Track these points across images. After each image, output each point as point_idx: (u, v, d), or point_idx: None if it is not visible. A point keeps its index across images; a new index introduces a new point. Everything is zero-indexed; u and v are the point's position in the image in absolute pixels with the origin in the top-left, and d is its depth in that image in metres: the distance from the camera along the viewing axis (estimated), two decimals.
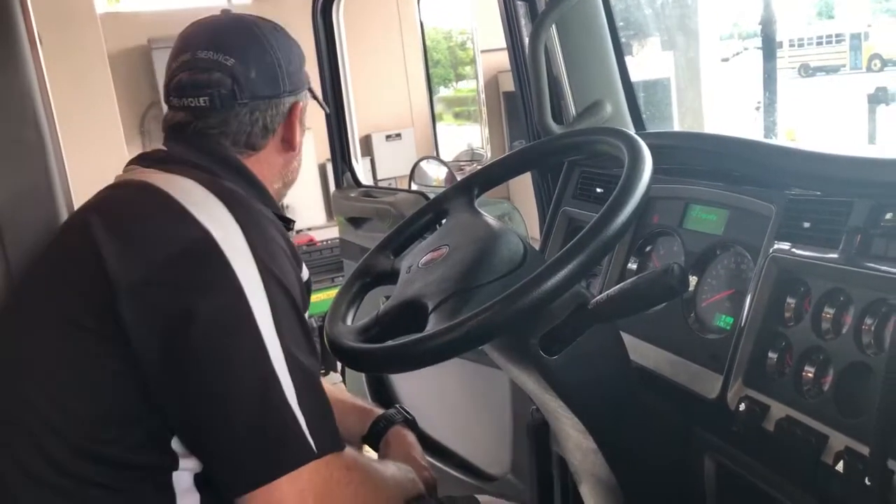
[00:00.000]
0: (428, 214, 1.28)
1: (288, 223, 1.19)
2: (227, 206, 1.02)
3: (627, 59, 1.63)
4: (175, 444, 0.99)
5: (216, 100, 1.13)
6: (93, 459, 0.98)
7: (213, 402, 0.95)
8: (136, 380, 0.97)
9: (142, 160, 1.16)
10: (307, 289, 1.15)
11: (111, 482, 0.98)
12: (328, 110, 1.37)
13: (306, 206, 6.73)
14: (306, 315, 1.09)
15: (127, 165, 1.17)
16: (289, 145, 1.22)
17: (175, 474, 1.00)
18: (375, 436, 1.33)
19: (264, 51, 1.16)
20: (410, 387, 2.22)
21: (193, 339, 0.95)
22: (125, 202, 1.09)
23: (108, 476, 0.98)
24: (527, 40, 1.59)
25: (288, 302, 1.00)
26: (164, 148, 1.18)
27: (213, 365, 0.95)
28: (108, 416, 0.98)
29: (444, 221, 1.25)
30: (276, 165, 1.22)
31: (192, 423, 0.98)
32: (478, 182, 1.26)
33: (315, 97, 1.29)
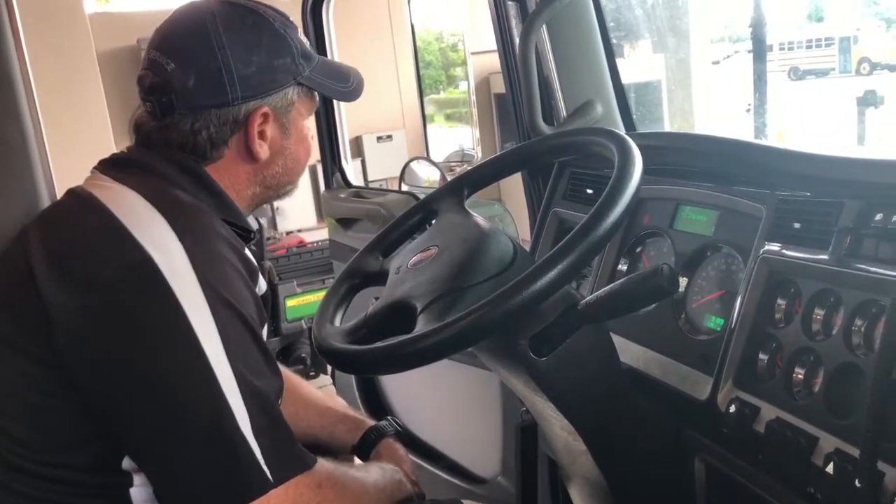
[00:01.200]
0: (417, 215, 1.27)
1: (248, 234, 1.12)
2: (172, 225, 0.96)
3: (619, 60, 1.63)
4: (126, 463, 0.97)
5: (156, 108, 1.06)
6: (43, 479, 0.96)
7: (160, 434, 0.92)
8: (77, 403, 0.94)
9: (102, 164, 1.10)
10: (265, 302, 1.10)
11: (68, 501, 0.97)
12: (344, 98, 1.22)
13: (297, 207, 6.71)
14: (264, 330, 1.05)
15: (93, 168, 1.11)
16: (250, 155, 1.10)
17: (132, 490, 0.98)
18: (366, 447, 1.32)
19: (211, 55, 1.04)
20: (401, 389, 2.21)
21: (134, 370, 0.92)
22: (66, 219, 1.04)
23: (62, 495, 0.96)
24: (517, 41, 1.58)
25: (238, 322, 0.95)
26: (125, 151, 1.12)
27: (155, 396, 0.92)
28: (51, 440, 0.96)
29: (433, 222, 1.24)
30: (242, 174, 1.11)
31: (139, 453, 0.96)
32: (467, 183, 1.25)
33: (319, 89, 1.14)
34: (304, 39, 1.14)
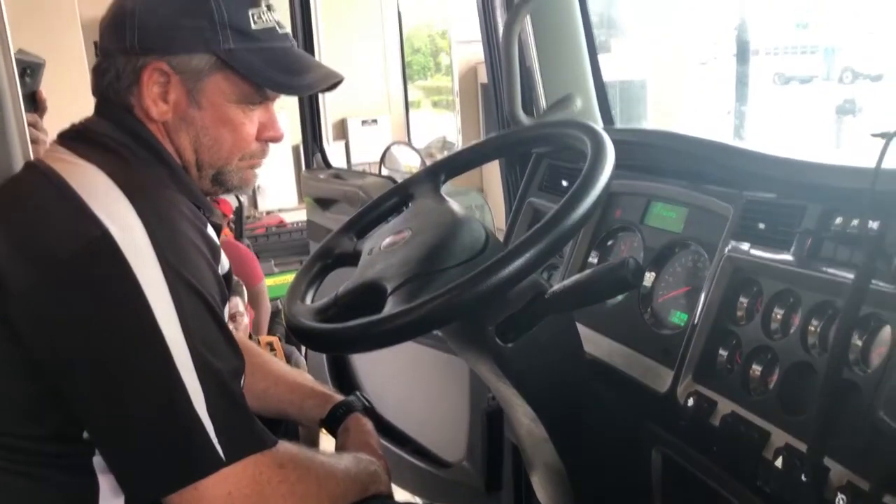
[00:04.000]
0: (393, 198, 1.28)
1: (207, 211, 1.10)
2: (132, 201, 0.95)
3: (605, 57, 1.64)
4: (87, 434, 0.98)
5: (98, 55, 1.08)
6: (4, 448, 0.96)
7: (111, 409, 0.93)
8: (34, 377, 0.95)
9: (61, 137, 1.08)
10: (227, 281, 1.09)
11: (29, 471, 0.97)
12: (282, 91, 1.10)
13: (278, 187, 6.67)
14: (226, 310, 1.05)
15: (52, 142, 1.09)
16: (145, 113, 1.05)
17: (94, 459, 0.99)
18: (334, 421, 1.32)
19: (128, 0, 1.04)
20: (371, 371, 2.23)
21: (89, 346, 0.92)
22: (25, 193, 1.03)
23: (25, 465, 0.97)
24: (501, 31, 1.59)
25: (198, 301, 0.94)
26: (84, 121, 1.10)
27: (110, 373, 0.92)
28: (11, 411, 0.97)
29: (409, 206, 1.25)
30: (157, 133, 1.07)
31: (94, 427, 0.96)
32: (444, 168, 1.26)
33: (242, 70, 1.05)
34: (255, 17, 1.06)
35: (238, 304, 3.12)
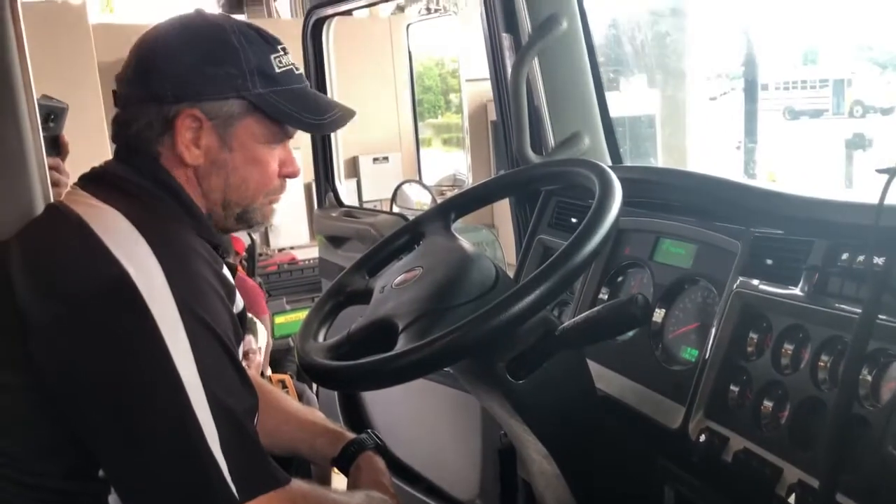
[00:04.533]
0: (404, 236, 1.30)
1: (225, 252, 1.12)
2: (150, 242, 0.97)
3: (614, 94, 1.67)
4: (103, 471, 0.99)
5: (119, 106, 1.10)
6: (24, 486, 0.98)
7: (127, 447, 0.94)
8: (53, 414, 0.96)
9: (82, 180, 1.11)
10: (241, 320, 1.11)
11: None
12: (308, 129, 1.17)
13: (290, 224, 6.73)
14: (240, 349, 1.06)
15: (72, 184, 1.12)
16: (176, 159, 1.08)
17: (110, 497, 1.00)
18: (346, 460, 1.32)
19: (150, 53, 1.07)
20: (382, 409, 2.23)
21: (106, 384, 0.94)
22: (46, 233, 1.06)
23: (43, 502, 0.99)
24: (510, 71, 1.62)
25: (213, 341, 0.96)
26: (104, 165, 1.13)
27: (126, 411, 0.94)
28: (31, 449, 0.98)
29: (420, 244, 1.26)
30: (183, 179, 1.10)
31: (110, 464, 0.98)
32: (454, 206, 1.28)
33: (271, 112, 1.09)
34: (277, 62, 1.10)
35: (251, 341, 3.13)
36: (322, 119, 1.14)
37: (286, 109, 1.10)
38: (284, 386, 3.42)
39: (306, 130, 1.16)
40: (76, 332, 0.95)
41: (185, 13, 1.12)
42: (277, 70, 1.10)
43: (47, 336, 0.95)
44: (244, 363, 1.14)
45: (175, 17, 1.11)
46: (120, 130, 1.10)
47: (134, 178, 1.08)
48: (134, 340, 0.94)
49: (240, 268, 4.52)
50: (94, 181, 1.10)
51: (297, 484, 1.01)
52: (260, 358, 2.83)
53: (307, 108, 1.12)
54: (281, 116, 1.10)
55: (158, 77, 1.06)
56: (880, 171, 0.92)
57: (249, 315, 3.76)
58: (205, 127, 1.07)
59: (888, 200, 0.90)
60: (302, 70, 1.18)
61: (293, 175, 1.17)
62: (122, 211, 1.02)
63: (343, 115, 1.16)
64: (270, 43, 1.11)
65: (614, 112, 1.70)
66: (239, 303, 1.11)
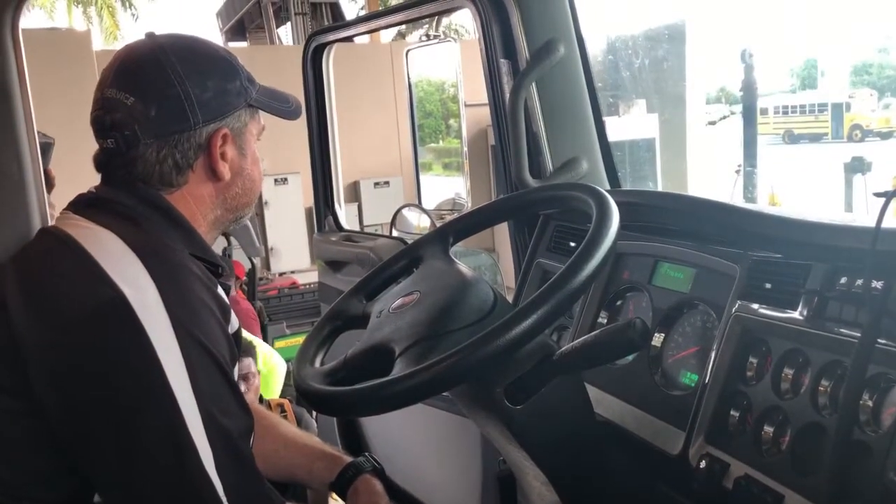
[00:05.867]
0: (403, 260, 1.30)
1: (217, 269, 1.13)
2: (145, 263, 0.98)
3: (614, 119, 1.68)
4: (98, 498, 0.99)
5: (120, 142, 1.07)
6: None
7: (124, 468, 0.94)
8: (49, 439, 0.96)
9: (74, 205, 1.12)
10: (237, 340, 1.12)
11: None
12: (287, 117, 1.25)
13: (291, 248, 6.74)
14: (236, 370, 1.06)
15: (63, 210, 1.13)
16: (214, 175, 1.13)
17: None
18: (344, 483, 1.31)
19: (168, 84, 1.07)
20: (381, 434, 2.21)
21: (101, 404, 0.94)
22: (41, 256, 1.06)
23: None
24: (508, 96, 1.63)
25: (209, 361, 0.97)
26: (94, 190, 1.13)
27: (123, 432, 0.94)
28: (26, 475, 0.98)
29: (418, 268, 1.26)
30: (206, 197, 1.14)
31: (105, 487, 0.98)
32: (453, 231, 1.28)
33: (267, 109, 1.19)
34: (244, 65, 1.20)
35: (250, 364, 3.12)
36: (290, 107, 1.24)
37: (272, 104, 1.20)
38: (283, 410, 3.40)
39: (286, 118, 1.24)
40: (72, 354, 0.95)
41: (163, 43, 1.13)
42: (248, 73, 1.18)
43: (43, 358, 0.95)
44: (243, 386, 1.14)
45: (170, 50, 1.10)
46: (137, 166, 1.09)
47: (125, 200, 1.08)
48: (129, 361, 0.94)
49: (239, 291, 4.54)
50: (86, 206, 1.10)
51: None
52: (258, 381, 2.82)
53: (278, 100, 1.21)
54: (272, 111, 1.20)
55: (191, 108, 1.08)
56: (878, 195, 0.93)
57: (250, 338, 3.77)
58: (227, 141, 1.13)
59: (885, 224, 0.90)
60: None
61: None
62: (115, 232, 1.02)
63: (298, 105, 1.27)
64: (229, 52, 1.20)
65: (614, 136, 1.70)
66: (234, 323, 1.11)
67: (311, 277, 5.76)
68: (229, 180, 1.14)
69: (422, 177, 2.58)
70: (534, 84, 1.61)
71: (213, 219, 1.16)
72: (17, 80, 1.19)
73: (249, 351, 3.08)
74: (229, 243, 5.99)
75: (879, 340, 0.88)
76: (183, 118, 1.08)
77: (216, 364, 0.98)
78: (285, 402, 3.46)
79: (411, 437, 2.01)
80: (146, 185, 1.09)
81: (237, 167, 1.15)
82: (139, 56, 1.11)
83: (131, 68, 1.10)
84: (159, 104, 1.07)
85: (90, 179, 1.14)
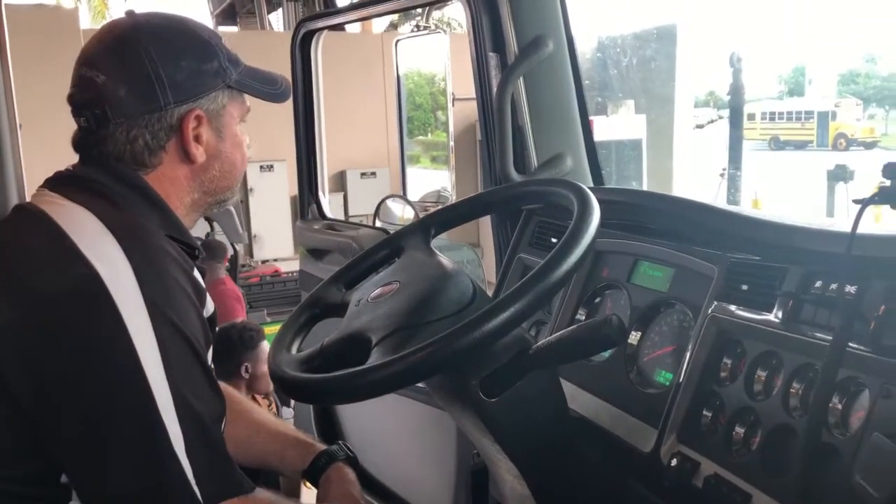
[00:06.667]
0: (383, 250, 1.29)
1: (193, 251, 1.12)
2: (120, 243, 0.97)
3: (602, 118, 1.69)
4: (65, 477, 0.97)
5: (91, 121, 1.06)
6: None
7: (90, 448, 0.93)
8: (16, 415, 0.95)
9: (50, 182, 1.10)
10: (212, 324, 1.11)
11: None
12: (273, 100, 1.20)
13: (275, 236, 6.71)
14: (209, 353, 1.06)
15: (39, 187, 1.11)
16: (188, 157, 1.10)
17: None
18: (316, 471, 1.31)
19: (139, 63, 1.05)
20: (357, 423, 2.21)
21: (71, 383, 0.93)
22: (15, 233, 1.05)
23: None
24: (495, 90, 1.63)
25: (182, 343, 0.96)
26: (71, 168, 1.12)
27: (91, 410, 0.93)
28: None
29: (398, 258, 1.26)
30: (182, 178, 1.12)
31: (73, 467, 0.96)
32: (434, 223, 1.27)
33: (249, 91, 1.16)
34: (229, 46, 1.16)
35: (264, 362, 3.14)
36: (277, 89, 1.20)
37: (256, 86, 1.16)
38: (270, 404, 3.40)
39: (271, 101, 1.20)
40: (42, 331, 0.94)
41: (140, 21, 1.12)
42: (232, 53, 1.15)
43: (12, 334, 0.94)
44: (257, 384, 1.12)
45: (145, 29, 1.10)
46: (108, 146, 1.08)
47: (102, 179, 1.07)
48: (101, 340, 0.93)
49: (227, 277, 4.52)
50: (62, 183, 1.08)
51: (262, 493, 1.00)
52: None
53: (264, 82, 1.18)
54: (255, 93, 1.16)
55: (162, 88, 1.06)
56: (856, 202, 0.93)
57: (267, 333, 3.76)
58: (203, 123, 1.11)
59: (861, 230, 0.91)
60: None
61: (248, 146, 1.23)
62: (91, 210, 1.01)
63: (287, 87, 1.23)
64: (215, 31, 1.18)
65: (601, 136, 1.71)
66: (209, 306, 1.10)
67: (293, 266, 5.74)
68: (205, 163, 1.12)
69: (409, 169, 2.58)
70: (521, 79, 1.61)
71: (190, 201, 1.14)
72: None
73: (263, 347, 3.07)
74: (212, 228, 5.96)
75: (851, 344, 0.89)
76: (153, 98, 1.06)
77: (189, 346, 0.97)
78: (272, 395, 3.46)
79: (387, 428, 2.01)
80: (122, 164, 1.08)
81: (214, 149, 1.13)
82: (114, 34, 1.10)
83: (106, 47, 1.08)
84: (129, 84, 1.06)
85: (74, 158, 1.13)
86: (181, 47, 1.09)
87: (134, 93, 1.06)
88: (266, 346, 2.98)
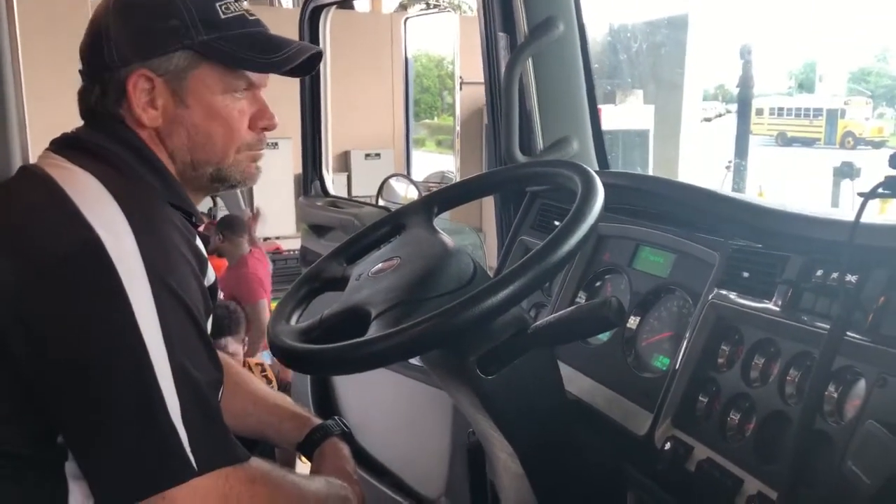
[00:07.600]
0: (386, 226, 1.29)
1: (191, 217, 1.11)
2: (123, 208, 0.97)
3: (610, 107, 1.68)
4: (62, 439, 0.98)
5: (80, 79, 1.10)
6: None
7: (86, 411, 0.94)
8: (14, 376, 0.95)
9: (55, 144, 1.10)
10: (212, 293, 1.11)
11: (1, 473, 0.97)
12: (263, 70, 1.11)
13: (278, 214, 6.70)
14: (209, 321, 1.06)
15: (45, 149, 1.10)
16: (136, 122, 1.07)
17: (67, 464, 0.99)
18: (310, 445, 1.32)
19: (97, 21, 1.07)
20: (354, 399, 2.22)
21: (70, 347, 0.93)
22: (18, 195, 1.05)
23: None
24: (504, 70, 1.62)
25: (181, 310, 0.96)
26: (75, 131, 1.11)
27: (88, 374, 0.93)
28: None
29: (400, 235, 1.26)
30: (150, 143, 1.08)
31: (68, 428, 0.96)
32: (437, 201, 1.28)
33: (220, 58, 1.07)
34: (223, 8, 1.08)
35: (228, 343, 3.15)
36: (273, 57, 1.10)
37: (234, 53, 1.07)
38: (263, 370, 3.41)
39: (257, 70, 1.11)
40: (42, 293, 0.94)
41: None
42: (224, 16, 1.08)
43: (12, 296, 0.94)
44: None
45: None
46: (83, 103, 1.10)
47: (106, 144, 1.07)
48: (100, 303, 0.93)
49: (251, 254, 4.56)
50: (67, 146, 1.09)
51: (257, 462, 1.01)
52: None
53: (257, 49, 1.09)
54: (228, 60, 1.07)
55: (108, 43, 1.06)
56: (861, 195, 0.93)
57: (233, 304, 3.77)
58: (157, 86, 1.07)
59: (864, 220, 0.91)
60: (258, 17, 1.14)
61: (269, 127, 1.15)
62: (95, 174, 1.01)
63: (299, 51, 1.12)
64: None
65: (608, 125, 1.71)
66: (210, 275, 1.11)
67: (295, 244, 5.74)
68: (166, 129, 1.08)
69: (414, 152, 2.58)
70: (530, 61, 1.61)
71: (175, 171, 1.11)
72: (4, 15, 1.17)
73: (234, 329, 3.09)
74: (215, 204, 5.96)
75: (849, 333, 0.89)
76: (100, 56, 1.06)
77: (188, 314, 0.97)
78: (264, 362, 3.47)
79: (383, 405, 2.02)
80: (115, 122, 1.08)
81: (172, 115, 1.08)
82: (102, 4, 1.10)
83: (93, 15, 1.10)
84: (89, 43, 1.09)
85: (70, 116, 1.13)
86: (138, 6, 1.07)
87: (90, 51, 1.09)
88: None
